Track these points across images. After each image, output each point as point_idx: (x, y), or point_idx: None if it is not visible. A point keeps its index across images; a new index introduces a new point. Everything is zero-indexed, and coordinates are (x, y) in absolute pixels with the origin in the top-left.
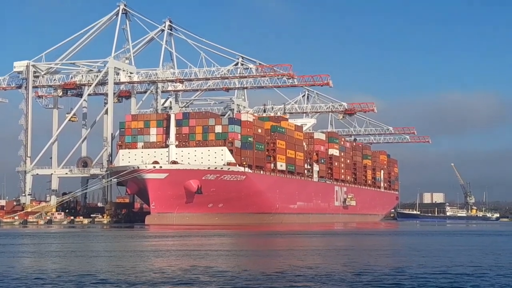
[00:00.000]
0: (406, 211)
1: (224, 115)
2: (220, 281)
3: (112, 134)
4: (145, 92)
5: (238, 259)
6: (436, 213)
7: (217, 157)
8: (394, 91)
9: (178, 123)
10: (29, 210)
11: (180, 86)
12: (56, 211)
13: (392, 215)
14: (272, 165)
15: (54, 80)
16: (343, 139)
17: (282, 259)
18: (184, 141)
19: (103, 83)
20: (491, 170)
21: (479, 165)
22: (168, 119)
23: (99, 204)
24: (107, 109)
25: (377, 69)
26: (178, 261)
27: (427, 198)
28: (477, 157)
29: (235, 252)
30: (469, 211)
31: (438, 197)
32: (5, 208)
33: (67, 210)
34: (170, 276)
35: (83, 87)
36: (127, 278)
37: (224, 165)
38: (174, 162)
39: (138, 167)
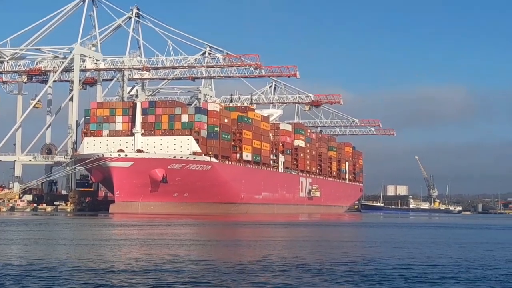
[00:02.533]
0: (370, 203)
1: (191, 104)
2: (185, 271)
3: (77, 121)
4: (111, 79)
5: (202, 249)
6: (399, 205)
7: (183, 146)
8: (363, 84)
9: (144, 112)
10: None
11: (146, 74)
12: (32, 200)
13: (356, 206)
14: (238, 155)
15: (19, 66)
16: (309, 131)
17: (247, 249)
18: (150, 130)
19: (68, 69)
20: (457, 163)
21: (446, 158)
22: (134, 107)
23: (63, 192)
24: (72, 96)
25: (346, 61)
26: (143, 250)
27: (391, 191)
28: (445, 150)
29: (199, 241)
30: (432, 204)
31: (402, 190)
32: None
33: (36, 198)
34: (136, 265)
35: (48, 73)
36: (93, 267)
37: (190, 154)
38: (140, 151)
39: (103, 155)
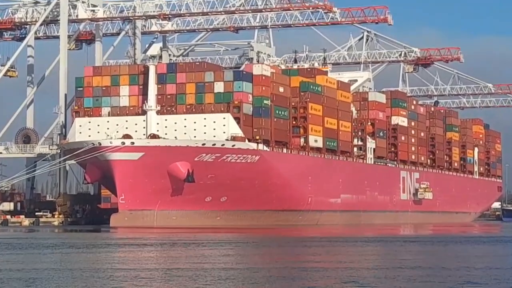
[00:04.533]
0: None
1: (239, 68)
2: None
3: (66, 95)
4: (117, 34)
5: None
6: None
7: (217, 128)
8: (488, 32)
9: (161, 79)
10: None
11: (169, 25)
12: (11, 210)
13: (497, 213)
14: (302, 140)
15: None
16: (414, 102)
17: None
18: (169, 106)
19: (54, 21)
20: None
21: None
22: (146, 73)
23: (48, 197)
24: (59, 59)
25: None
26: None
27: None
28: None
29: (250, 272)
30: None
31: None
32: None
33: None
34: None
35: (26, 27)
36: None
37: (227, 140)
38: (154, 136)
39: (100, 144)
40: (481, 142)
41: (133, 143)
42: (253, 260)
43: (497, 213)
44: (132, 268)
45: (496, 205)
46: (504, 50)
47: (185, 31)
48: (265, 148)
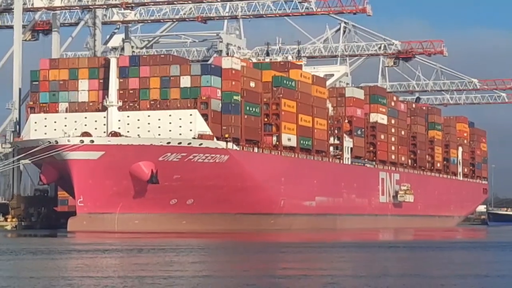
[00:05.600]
0: (504, 212)
1: (207, 61)
2: None
3: (20, 89)
4: (76, 24)
5: None
6: None
7: (183, 126)
8: (477, 24)
9: (123, 73)
10: None
11: (132, 15)
12: None
13: (482, 217)
14: (275, 138)
15: None
16: (394, 98)
17: None
18: (131, 101)
19: (7, 9)
20: None
21: None
22: (106, 66)
23: (0, 199)
24: (13, 51)
25: None
26: None
27: None
28: None
29: (218, 281)
30: None
31: None
32: None
33: None
34: None
35: None
36: None
37: (194, 138)
38: (115, 134)
39: (57, 142)
40: (465, 141)
41: (92, 141)
42: (221, 268)
43: (482, 217)
44: (90, 276)
45: (482, 208)
46: (491, 44)
47: (149, 21)
48: (235, 147)
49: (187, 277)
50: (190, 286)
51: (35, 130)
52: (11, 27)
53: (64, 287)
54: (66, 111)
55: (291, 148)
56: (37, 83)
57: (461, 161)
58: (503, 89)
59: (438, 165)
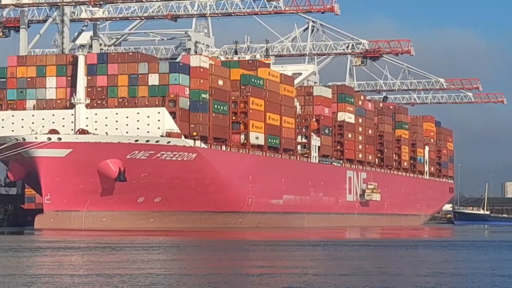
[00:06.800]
0: (469, 211)
1: (175, 59)
2: None
3: None
4: (44, 21)
5: None
6: None
7: (151, 124)
8: (444, 20)
9: (91, 70)
10: None
11: (100, 12)
12: None
13: (448, 216)
14: (243, 137)
15: None
16: (362, 97)
17: None
18: (99, 99)
19: None
20: None
21: None
22: (74, 63)
23: None
24: None
25: None
26: None
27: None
28: None
29: (185, 279)
30: None
31: None
32: None
33: None
34: None
35: None
36: None
37: (162, 136)
38: (83, 132)
39: (24, 139)
40: (432, 140)
41: (60, 138)
42: (188, 265)
43: (448, 216)
44: (56, 273)
45: (448, 207)
46: (459, 44)
47: (117, 18)
48: (203, 145)
49: (154, 275)
50: (158, 284)
51: (2, 127)
52: None
53: (25, 285)
54: (34, 108)
55: (259, 147)
56: (4, 80)
57: (427, 160)
58: (469, 89)
59: (405, 164)
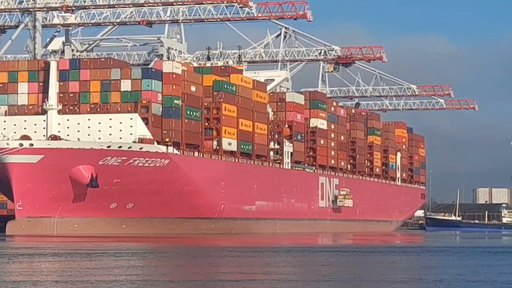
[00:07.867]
0: (441, 217)
1: (148, 65)
2: None
3: None
4: (15, 27)
5: None
6: (486, 219)
7: (123, 129)
8: (418, 30)
9: (63, 76)
10: None
11: (72, 18)
12: None
13: (420, 221)
14: (215, 143)
15: None
16: (334, 104)
17: None
18: (71, 105)
19: None
20: None
21: None
22: (46, 69)
23: None
24: None
25: None
26: None
27: (483, 196)
28: None
29: (157, 286)
30: None
31: (501, 195)
32: None
33: None
34: None
35: None
36: None
37: (134, 142)
38: (55, 138)
39: None
40: (404, 146)
41: (32, 144)
42: (160, 272)
43: (420, 221)
44: (28, 280)
45: (420, 213)
46: (430, 50)
47: (89, 24)
48: (175, 151)
49: (126, 281)
50: None
51: None
52: None
53: None
54: (5, 114)
55: (231, 153)
56: None
57: (399, 166)
58: (441, 96)
59: (377, 170)
